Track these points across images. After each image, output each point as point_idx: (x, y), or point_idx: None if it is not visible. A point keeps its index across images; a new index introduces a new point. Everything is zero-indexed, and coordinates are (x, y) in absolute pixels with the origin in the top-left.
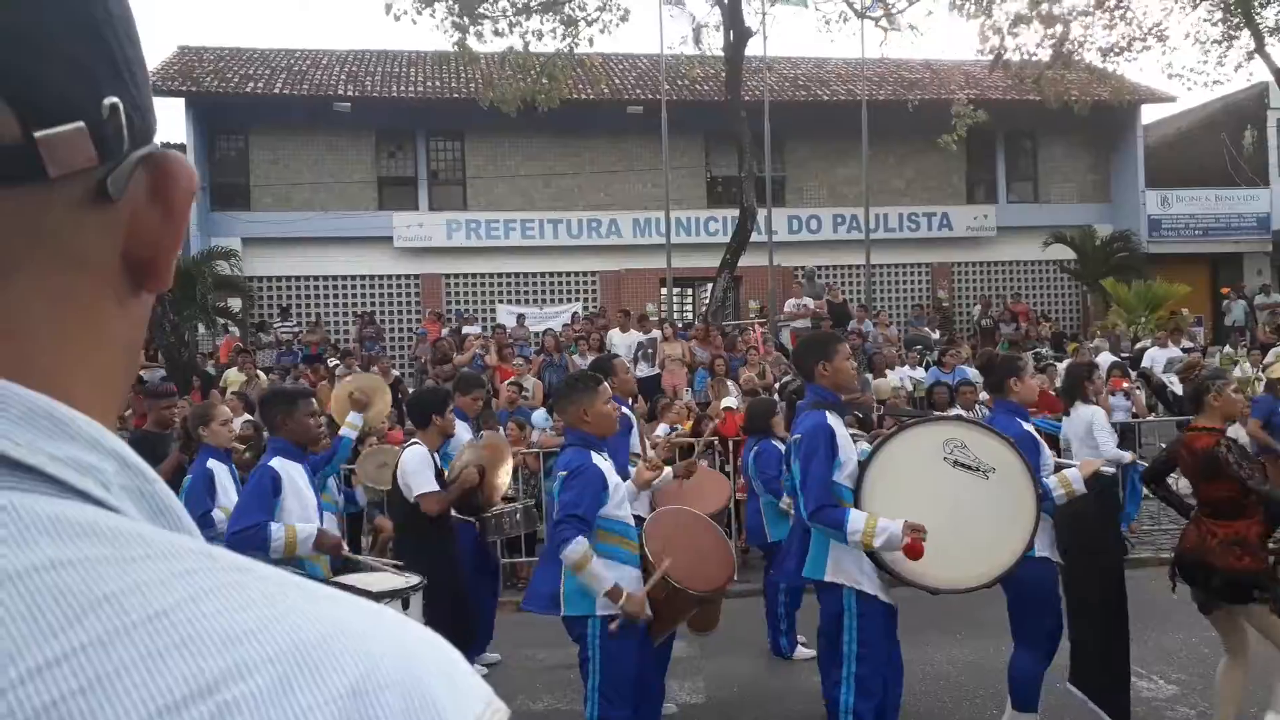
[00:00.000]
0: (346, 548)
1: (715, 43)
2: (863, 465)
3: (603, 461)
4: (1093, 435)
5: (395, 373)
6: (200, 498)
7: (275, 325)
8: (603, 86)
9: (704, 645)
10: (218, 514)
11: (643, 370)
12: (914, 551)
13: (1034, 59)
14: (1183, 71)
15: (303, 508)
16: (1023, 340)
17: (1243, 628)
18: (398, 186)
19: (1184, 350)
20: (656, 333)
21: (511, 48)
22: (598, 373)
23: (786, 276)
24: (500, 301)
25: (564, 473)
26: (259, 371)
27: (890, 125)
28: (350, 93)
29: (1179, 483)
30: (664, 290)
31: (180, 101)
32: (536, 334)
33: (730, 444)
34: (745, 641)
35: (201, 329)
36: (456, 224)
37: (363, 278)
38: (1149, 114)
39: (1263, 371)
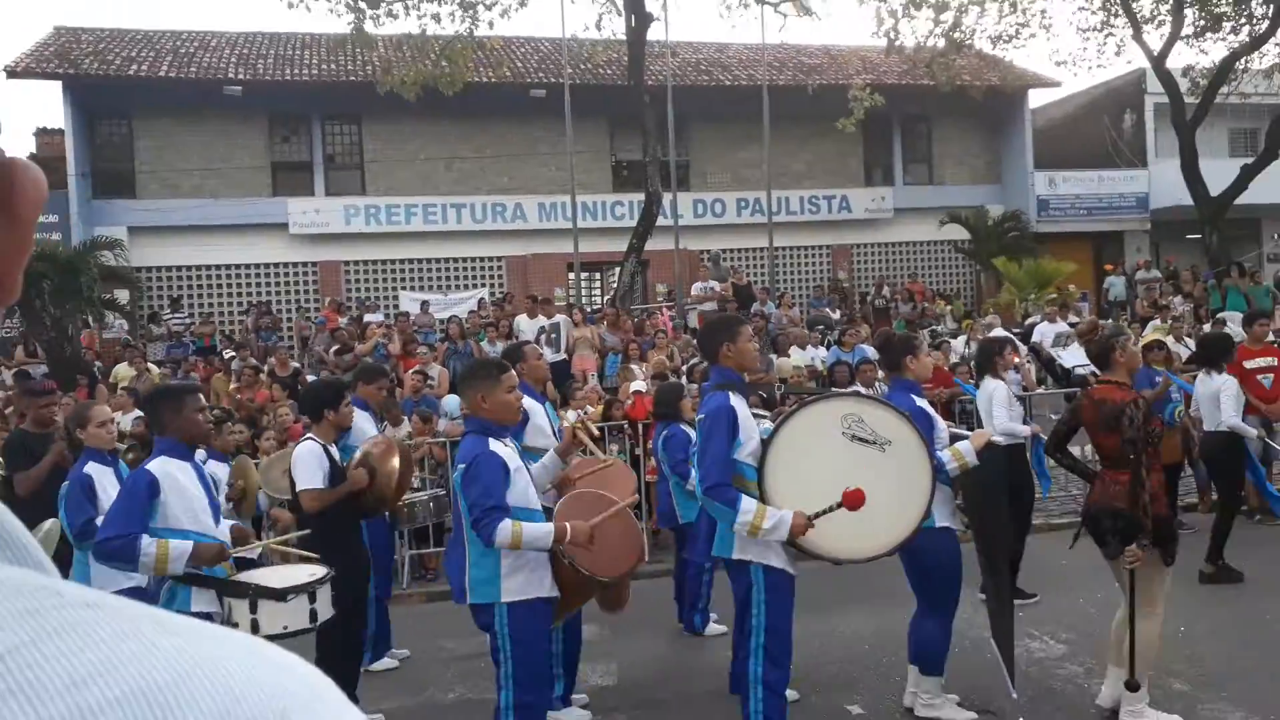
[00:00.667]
0: (238, 547)
1: (618, 27)
2: (765, 443)
3: (502, 448)
4: (991, 410)
5: (294, 364)
6: (80, 504)
7: (166, 317)
8: (505, 69)
9: (615, 627)
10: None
11: (549, 355)
12: (855, 501)
13: (927, 44)
14: (1068, 58)
15: (190, 509)
16: (918, 319)
17: (1154, 577)
18: (292, 172)
19: (1070, 325)
20: (560, 317)
21: (409, 32)
22: (509, 359)
23: (693, 260)
24: (403, 288)
25: (463, 464)
26: (149, 365)
27: (791, 110)
28: (242, 75)
29: (1084, 449)
30: (571, 275)
31: (58, 85)
32: (441, 321)
33: (640, 427)
34: (656, 622)
35: (89, 322)
36: (355, 209)
37: (257, 266)
38: (1036, 98)
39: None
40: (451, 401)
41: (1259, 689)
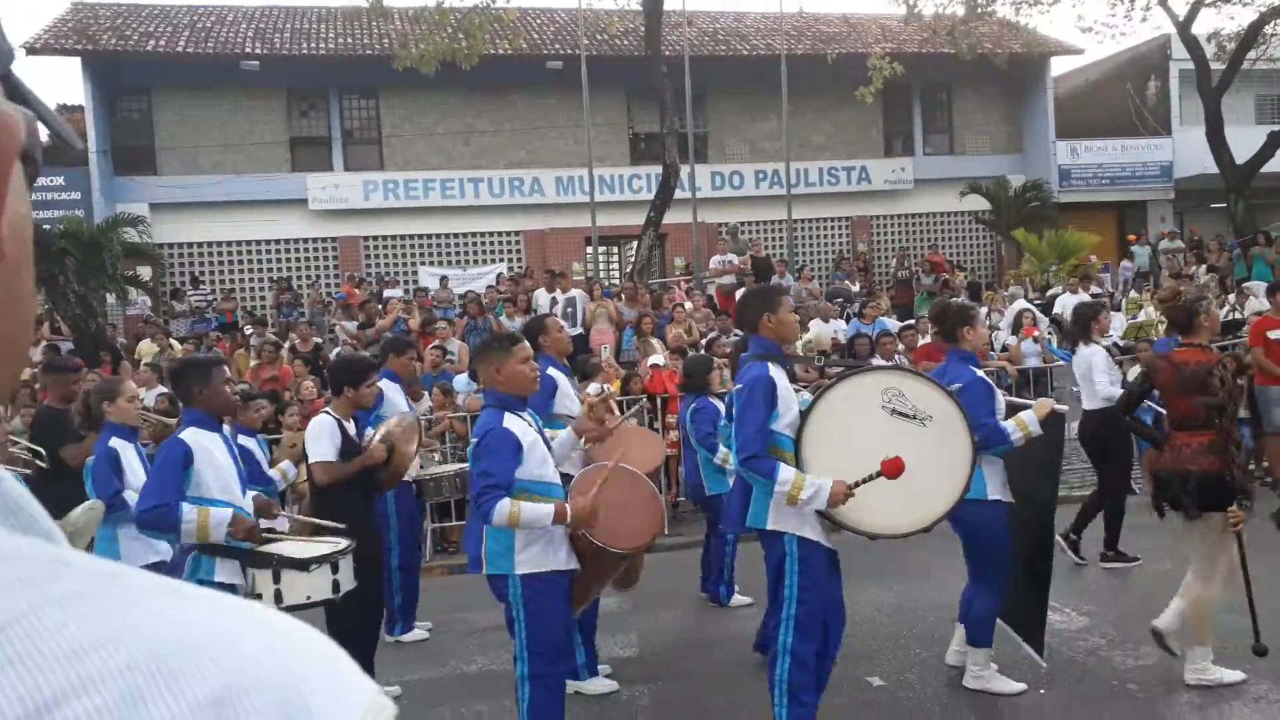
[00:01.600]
0: (273, 518)
1: None
2: (803, 414)
3: (516, 421)
4: (1091, 376)
5: (316, 340)
6: (107, 478)
7: (189, 293)
8: (521, 41)
9: (636, 599)
10: (129, 495)
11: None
12: (894, 469)
13: (947, 11)
14: (1093, 25)
15: (221, 479)
16: (939, 290)
17: (1218, 542)
18: (311, 147)
19: (1093, 296)
20: (576, 292)
21: (426, 5)
22: (531, 333)
23: (711, 233)
24: (422, 264)
25: (475, 439)
26: (172, 341)
27: (809, 80)
28: (258, 50)
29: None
30: (589, 249)
31: (76, 61)
32: (460, 296)
33: (659, 400)
34: (677, 594)
35: (111, 299)
36: (374, 184)
37: (277, 242)
38: (1058, 66)
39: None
40: (460, 380)
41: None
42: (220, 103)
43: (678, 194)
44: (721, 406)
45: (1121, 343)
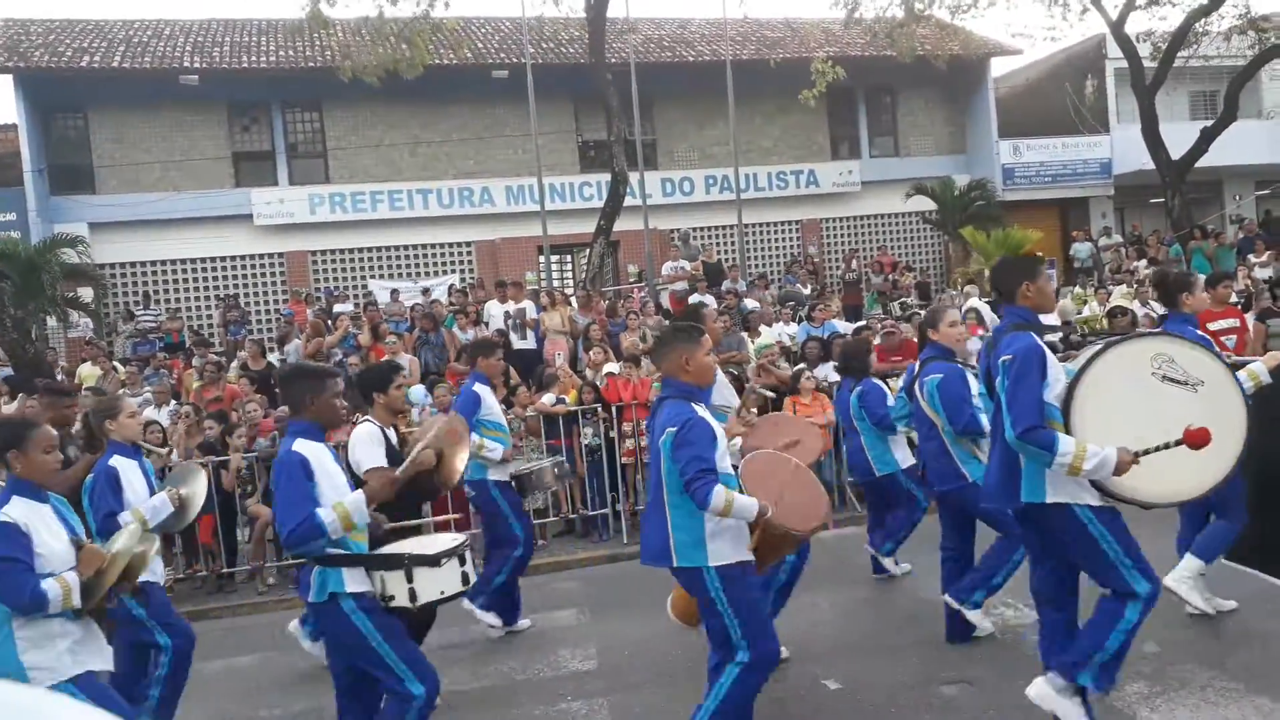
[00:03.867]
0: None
1: (576, 4)
2: (1070, 384)
3: (703, 412)
4: None
5: (271, 358)
6: (104, 497)
7: (139, 313)
8: (465, 51)
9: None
10: (125, 516)
11: (515, 341)
12: (1199, 439)
13: (887, 14)
14: (1023, 29)
15: (336, 488)
16: (890, 290)
17: None
18: (254, 161)
19: None
20: (528, 302)
21: (367, 16)
22: (692, 319)
23: (663, 240)
24: (372, 277)
25: (673, 429)
26: (115, 364)
27: (755, 85)
28: (198, 64)
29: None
30: (541, 258)
31: (8, 79)
32: (411, 308)
33: (614, 409)
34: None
35: (51, 322)
36: (320, 198)
37: (223, 259)
38: (998, 66)
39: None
40: (417, 392)
41: (1227, 647)
42: (159, 118)
43: (628, 201)
44: (883, 385)
45: (1073, 338)
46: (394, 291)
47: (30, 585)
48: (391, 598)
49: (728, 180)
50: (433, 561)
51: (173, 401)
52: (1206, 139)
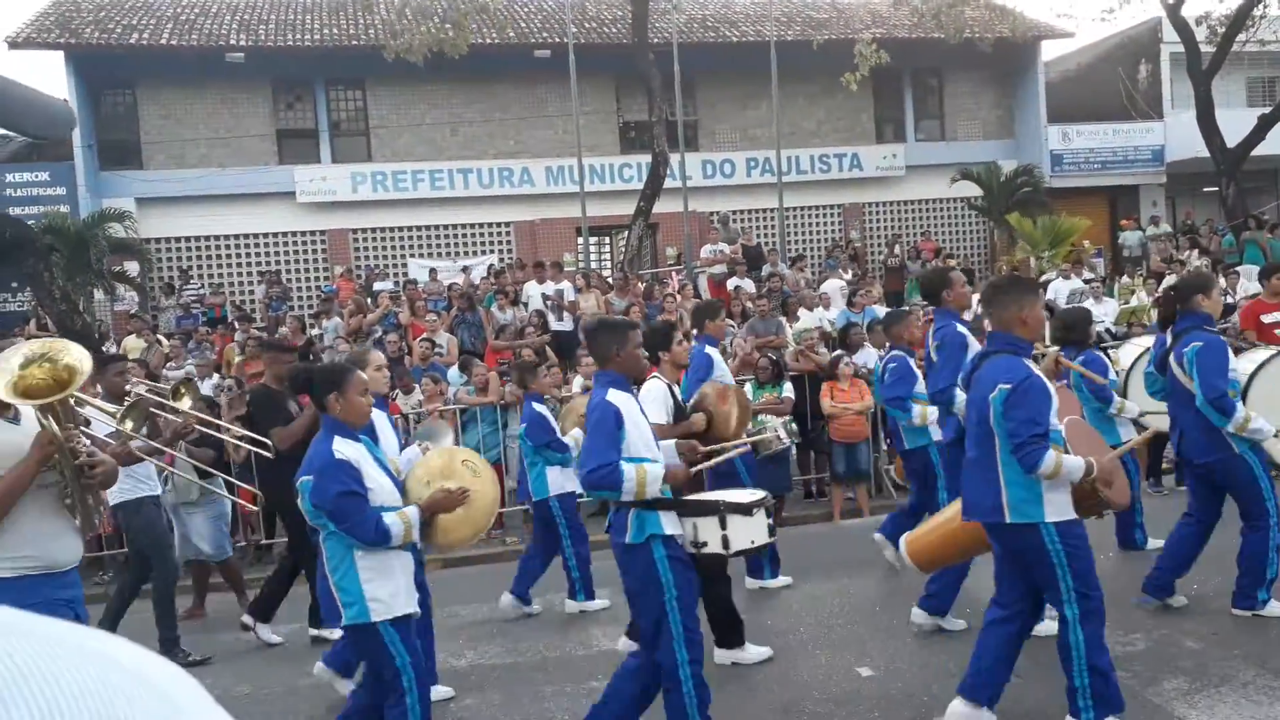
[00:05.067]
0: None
1: None
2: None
3: (1036, 367)
4: None
5: (314, 332)
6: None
7: (181, 288)
8: (509, 30)
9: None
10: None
11: (553, 322)
12: None
13: None
14: (1074, 12)
15: (644, 438)
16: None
17: None
18: (298, 139)
19: (1085, 282)
20: (566, 284)
21: None
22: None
23: (702, 222)
24: (411, 256)
25: (1006, 385)
26: (159, 337)
27: (799, 66)
28: (243, 42)
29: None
30: (580, 239)
31: (59, 55)
32: (448, 288)
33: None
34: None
35: (99, 295)
36: (362, 176)
37: (266, 236)
38: (1049, 50)
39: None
40: (452, 373)
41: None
42: (205, 95)
43: (668, 183)
44: (1106, 358)
45: (1114, 329)
46: (432, 270)
47: (374, 519)
48: (704, 544)
49: (769, 163)
50: (745, 510)
51: (215, 375)
52: (1264, 126)
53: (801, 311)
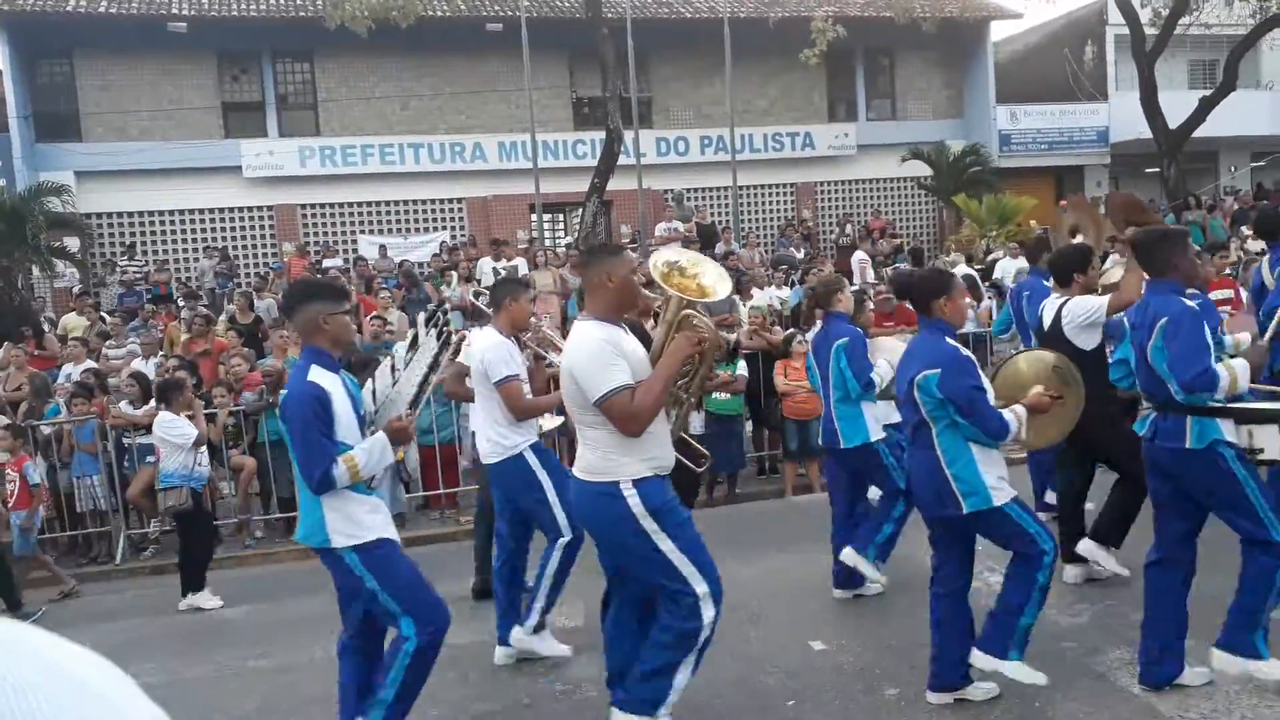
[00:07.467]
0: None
1: None
2: None
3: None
4: None
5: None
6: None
7: (122, 264)
8: (459, 2)
9: None
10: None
11: None
12: None
13: None
14: None
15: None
16: (873, 255)
17: None
18: (244, 112)
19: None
20: (519, 260)
21: None
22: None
23: (656, 200)
24: (361, 232)
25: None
26: (102, 315)
27: (753, 44)
28: (186, 11)
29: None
30: (534, 217)
31: None
32: (398, 265)
33: None
34: None
35: (36, 272)
36: (310, 151)
37: (212, 211)
38: (997, 31)
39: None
40: (401, 349)
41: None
42: (147, 66)
43: (622, 160)
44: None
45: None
46: (382, 247)
47: (996, 414)
48: (1260, 450)
49: (723, 140)
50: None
51: (158, 353)
52: (1205, 108)
53: (754, 290)
